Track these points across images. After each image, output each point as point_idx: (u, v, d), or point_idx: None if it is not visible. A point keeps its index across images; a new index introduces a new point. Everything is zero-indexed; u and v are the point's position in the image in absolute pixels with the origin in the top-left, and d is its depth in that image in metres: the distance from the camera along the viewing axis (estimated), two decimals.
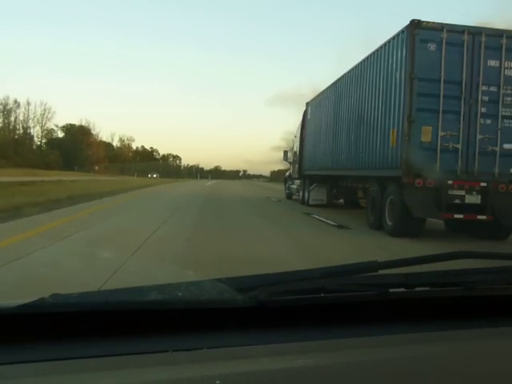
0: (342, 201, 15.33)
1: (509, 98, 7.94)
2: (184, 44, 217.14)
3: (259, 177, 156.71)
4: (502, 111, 7.91)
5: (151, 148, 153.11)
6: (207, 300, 0.92)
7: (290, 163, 19.48)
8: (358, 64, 10.67)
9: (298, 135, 17.56)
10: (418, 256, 1.06)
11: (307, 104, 16.72)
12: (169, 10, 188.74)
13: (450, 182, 7.80)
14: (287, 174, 21.09)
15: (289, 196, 19.96)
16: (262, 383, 0.73)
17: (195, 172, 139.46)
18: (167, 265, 4.80)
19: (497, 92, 7.89)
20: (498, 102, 7.89)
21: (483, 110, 7.87)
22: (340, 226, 9.38)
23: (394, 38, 8.52)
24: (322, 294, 0.98)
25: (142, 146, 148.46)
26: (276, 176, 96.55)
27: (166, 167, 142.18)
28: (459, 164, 7.84)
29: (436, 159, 7.77)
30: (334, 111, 12.74)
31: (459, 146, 7.83)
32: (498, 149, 7.89)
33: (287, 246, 6.68)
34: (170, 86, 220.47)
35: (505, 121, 7.93)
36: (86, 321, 0.84)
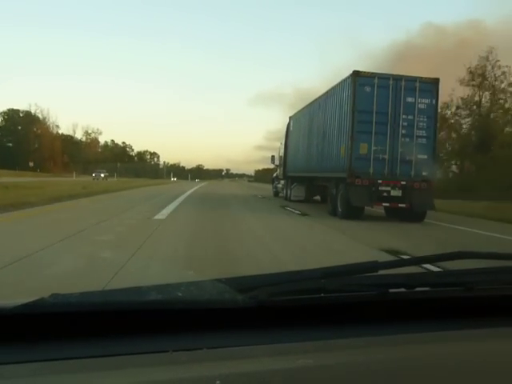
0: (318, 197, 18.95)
1: (421, 124, 11.56)
2: (166, 41, 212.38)
3: (242, 176, 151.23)
4: (417, 132, 11.54)
5: (123, 143, 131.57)
6: (207, 300, 0.92)
7: (277, 166, 23.11)
8: (324, 93, 14.33)
9: (283, 143, 21.18)
10: (418, 256, 1.10)
11: (290, 118, 20.36)
12: (148, 6, 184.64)
13: (379, 181, 11.41)
14: (274, 174, 24.78)
15: (275, 194, 23.64)
16: (262, 383, 0.74)
17: (166, 171, 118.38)
18: None
19: (413, 119, 11.51)
20: (413, 126, 11.50)
21: (403, 131, 11.49)
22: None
23: (343, 80, 12.18)
24: (323, 294, 0.98)
25: (113, 141, 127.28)
26: (261, 175, 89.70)
27: (139, 165, 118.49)
28: (386, 169, 11.46)
29: (370, 165, 11.38)
30: (308, 127, 16.39)
31: (386, 157, 11.44)
32: (413, 158, 11.51)
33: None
34: (147, 81, 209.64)
35: (418, 139, 11.56)
36: (86, 321, 0.85)
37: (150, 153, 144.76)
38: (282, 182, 21.60)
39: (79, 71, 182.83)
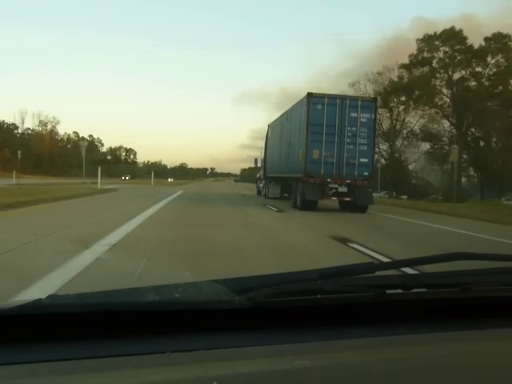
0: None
1: (362, 134, 14.51)
2: (150, 34, 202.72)
3: (227, 175, 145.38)
4: (359, 141, 14.49)
5: (91, 136, 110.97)
6: (204, 301, 0.93)
7: (260, 167, 26.08)
8: (291, 107, 17.32)
9: (264, 147, 24.15)
10: (415, 257, 1.08)
11: (268, 125, 23.35)
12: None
13: (329, 180, 14.37)
14: (257, 175, 27.77)
15: (258, 192, 26.66)
16: None
17: (145, 170, 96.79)
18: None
19: (356, 130, 14.46)
20: (356, 136, 14.46)
21: (348, 140, 14.44)
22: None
23: (301, 99, 15.16)
24: (319, 296, 0.99)
25: (76, 133, 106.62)
26: (248, 174, 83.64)
27: (112, 163, 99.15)
28: (334, 170, 14.42)
29: (321, 168, 14.34)
30: (280, 134, 19.37)
31: (334, 160, 14.39)
32: (356, 161, 14.47)
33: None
34: (123, 75, 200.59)
35: (360, 146, 14.51)
36: (83, 322, 0.85)
37: (125, 149, 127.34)
38: (263, 181, 24.58)
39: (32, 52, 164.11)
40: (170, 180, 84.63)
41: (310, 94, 14.46)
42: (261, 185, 25.77)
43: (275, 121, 21.50)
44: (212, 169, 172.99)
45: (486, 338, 0.97)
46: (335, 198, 14.70)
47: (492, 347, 0.93)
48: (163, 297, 0.93)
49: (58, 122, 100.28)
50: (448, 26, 44.66)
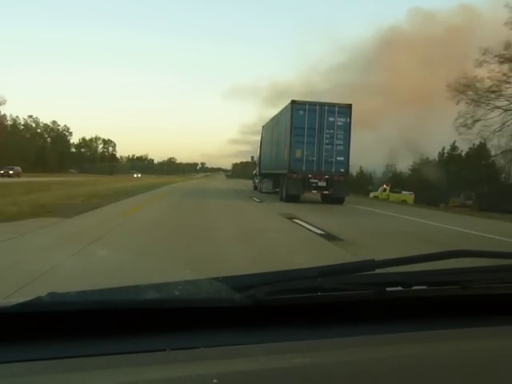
0: None
1: (339, 136, 16.79)
2: (141, 25, 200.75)
3: (218, 170, 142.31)
4: (336, 142, 16.78)
5: (54, 123, 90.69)
6: (204, 299, 0.93)
7: (255, 164, 28.43)
8: (279, 112, 19.62)
9: (259, 146, 26.47)
10: (415, 255, 1.07)
11: (263, 127, 25.69)
12: None
13: (310, 175, 16.67)
14: (254, 172, 30.14)
15: (255, 188, 29.00)
16: (259, 382, 0.74)
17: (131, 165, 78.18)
18: None
19: (333, 132, 16.74)
20: (333, 138, 16.74)
21: (326, 141, 16.73)
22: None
23: (286, 106, 17.45)
24: (320, 293, 0.99)
25: (33, 117, 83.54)
26: (240, 170, 77.63)
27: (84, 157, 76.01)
28: (314, 167, 16.71)
29: (303, 165, 16.64)
30: (271, 136, 21.70)
31: (314, 159, 16.68)
32: (334, 159, 16.74)
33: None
34: (111, 68, 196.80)
35: (337, 146, 16.79)
36: (83, 320, 0.85)
37: (103, 140, 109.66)
38: (259, 177, 26.91)
39: None
40: (136, 175, 58.37)
41: (293, 102, 16.79)
42: (256, 180, 28.12)
43: (268, 123, 23.85)
44: (202, 164, 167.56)
45: (486, 335, 0.97)
46: (315, 192, 17.03)
47: (492, 344, 0.93)
48: (163, 294, 0.93)
49: (4, 102, 77.13)
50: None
